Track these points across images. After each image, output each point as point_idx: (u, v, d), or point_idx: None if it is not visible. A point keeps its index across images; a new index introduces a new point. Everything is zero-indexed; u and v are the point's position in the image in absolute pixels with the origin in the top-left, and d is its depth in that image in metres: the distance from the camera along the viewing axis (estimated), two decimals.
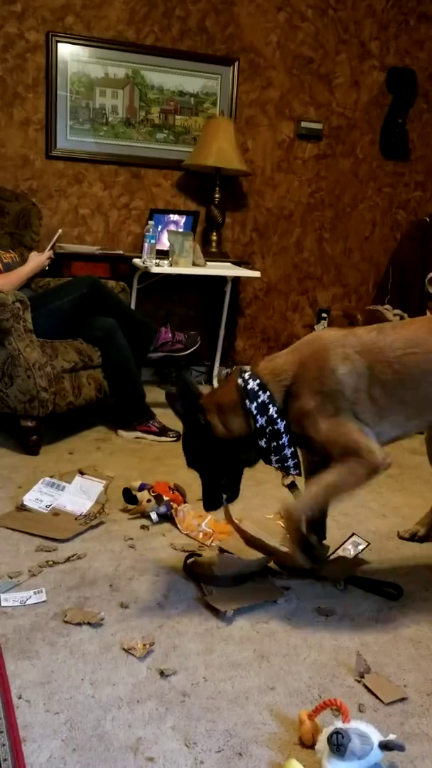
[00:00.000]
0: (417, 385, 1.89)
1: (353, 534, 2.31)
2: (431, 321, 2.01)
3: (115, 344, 3.31)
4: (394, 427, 1.94)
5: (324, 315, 4.86)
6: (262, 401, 1.89)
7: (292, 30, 4.46)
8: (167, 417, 3.53)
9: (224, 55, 4.36)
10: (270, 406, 1.89)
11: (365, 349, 1.89)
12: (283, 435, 1.91)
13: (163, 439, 3.29)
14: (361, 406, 1.87)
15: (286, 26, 4.44)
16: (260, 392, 1.90)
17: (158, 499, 2.44)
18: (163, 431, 3.31)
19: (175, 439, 3.27)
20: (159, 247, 3.88)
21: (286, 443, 1.92)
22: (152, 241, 3.76)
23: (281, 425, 1.90)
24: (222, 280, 4.32)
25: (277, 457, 1.94)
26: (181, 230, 4.14)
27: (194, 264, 3.91)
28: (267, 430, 1.90)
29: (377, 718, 1.50)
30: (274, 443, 1.91)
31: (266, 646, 1.76)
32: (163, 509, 2.43)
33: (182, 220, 4.29)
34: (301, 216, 4.74)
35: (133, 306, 3.91)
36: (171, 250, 3.83)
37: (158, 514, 2.42)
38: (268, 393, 1.90)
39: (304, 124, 4.58)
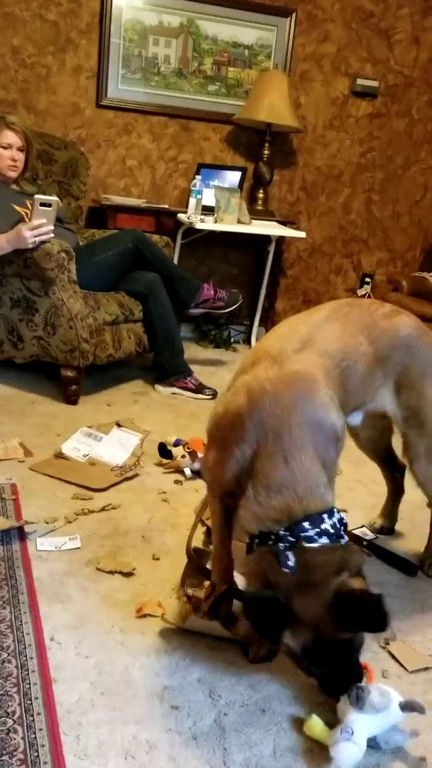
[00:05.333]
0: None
1: (363, 525, 2.22)
2: (336, 309, 1.70)
3: (156, 299, 3.31)
4: None
5: (367, 280, 4.78)
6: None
7: None
8: (204, 374, 3.55)
9: (282, 6, 4.22)
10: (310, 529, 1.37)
11: (329, 377, 1.54)
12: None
13: (200, 396, 3.30)
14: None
15: None
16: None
17: (192, 455, 2.46)
18: (199, 389, 3.32)
19: (211, 396, 3.29)
20: (205, 202, 3.84)
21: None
22: (198, 196, 3.72)
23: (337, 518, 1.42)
24: (266, 238, 4.27)
25: None
26: (227, 186, 4.08)
27: (239, 221, 3.86)
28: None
29: (400, 684, 1.52)
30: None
31: None
32: (197, 465, 2.45)
33: (229, 175, 4.23)
34: (350, 176, 4.64)
35: (176, 261, 3.89)
36: (217, 206, 3.79)
37: (192, 471, 2.45)
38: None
39: (359, 81, 4.45)
